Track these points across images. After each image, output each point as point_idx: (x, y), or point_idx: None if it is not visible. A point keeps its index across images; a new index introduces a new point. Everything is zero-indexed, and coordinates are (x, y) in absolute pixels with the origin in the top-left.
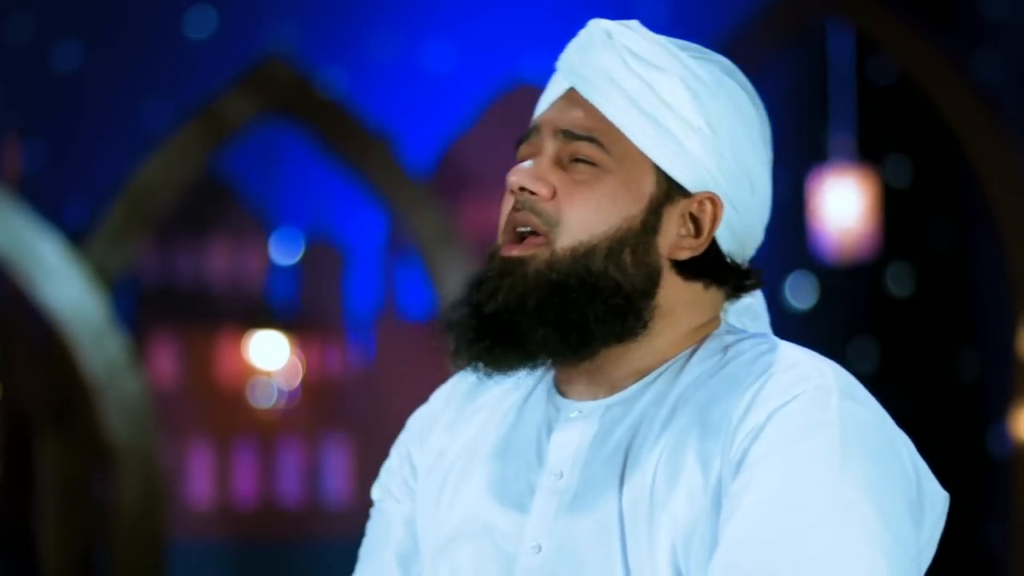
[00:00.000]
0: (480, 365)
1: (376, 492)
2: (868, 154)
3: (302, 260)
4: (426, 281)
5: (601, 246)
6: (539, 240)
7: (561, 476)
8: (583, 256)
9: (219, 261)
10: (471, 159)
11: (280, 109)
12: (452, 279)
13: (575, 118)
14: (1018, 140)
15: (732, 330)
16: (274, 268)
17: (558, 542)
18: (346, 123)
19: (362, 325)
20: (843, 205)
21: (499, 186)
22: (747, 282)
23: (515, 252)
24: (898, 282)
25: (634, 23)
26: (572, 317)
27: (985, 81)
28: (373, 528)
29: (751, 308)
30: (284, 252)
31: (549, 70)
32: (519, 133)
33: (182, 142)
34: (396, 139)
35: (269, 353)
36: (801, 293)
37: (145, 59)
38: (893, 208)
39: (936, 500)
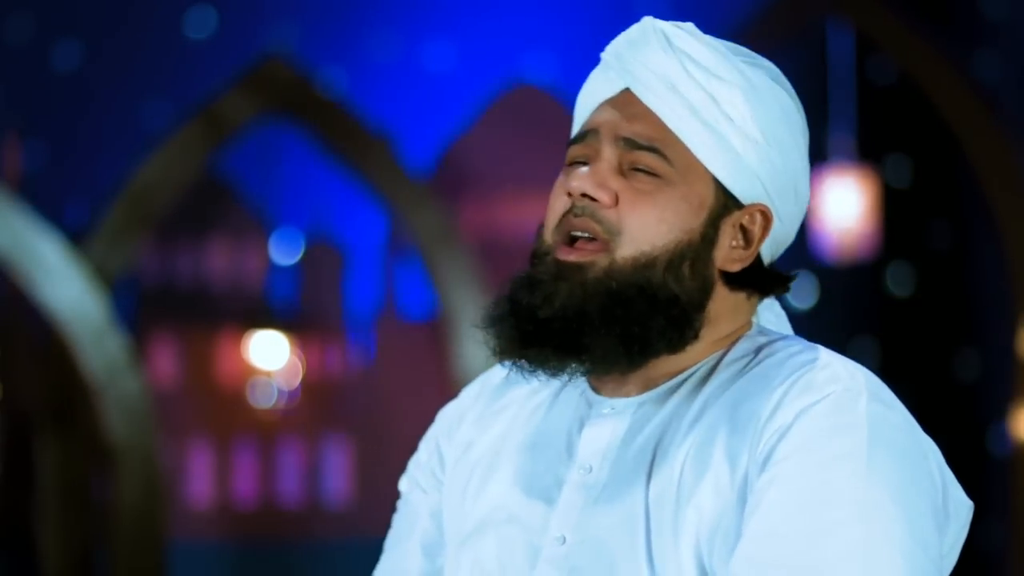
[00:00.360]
0: (526, 365)
1: (403, 484)
2: (868, 154)
3: (302, 260)
4: (426, 281)
5: (662, 258)
6: (596, 246)
7: (591, 471)
8: (644, 267)
9: (219, 261)
10: (471, 159)
11: (280, 109)
12: (452, 279)
13: (637, 125)
14: (1018, 140)
15: (764, 331)
16: (274, 268)
17: (582, 534)
18: (346, 123)
19: (362, 325)
20: (843, 205)
21: (499, 186)
22: (781, 288)
23: (572, 257)
24: (898, 282)
25: (689, 26)
26: (635, 329)
27: (985, 81)
28: (399, 519)
29: (772, 307)
30: (284, 252)
31: (549, 70)
32: (519, 133)
33: (182, 142)
34: (396, 139)
35: (269, 353)
36: (801, 293)
37: (145, 59)
38: (893, 208)
39: (961, 508)
